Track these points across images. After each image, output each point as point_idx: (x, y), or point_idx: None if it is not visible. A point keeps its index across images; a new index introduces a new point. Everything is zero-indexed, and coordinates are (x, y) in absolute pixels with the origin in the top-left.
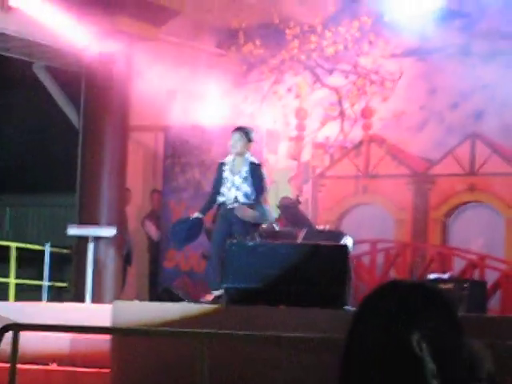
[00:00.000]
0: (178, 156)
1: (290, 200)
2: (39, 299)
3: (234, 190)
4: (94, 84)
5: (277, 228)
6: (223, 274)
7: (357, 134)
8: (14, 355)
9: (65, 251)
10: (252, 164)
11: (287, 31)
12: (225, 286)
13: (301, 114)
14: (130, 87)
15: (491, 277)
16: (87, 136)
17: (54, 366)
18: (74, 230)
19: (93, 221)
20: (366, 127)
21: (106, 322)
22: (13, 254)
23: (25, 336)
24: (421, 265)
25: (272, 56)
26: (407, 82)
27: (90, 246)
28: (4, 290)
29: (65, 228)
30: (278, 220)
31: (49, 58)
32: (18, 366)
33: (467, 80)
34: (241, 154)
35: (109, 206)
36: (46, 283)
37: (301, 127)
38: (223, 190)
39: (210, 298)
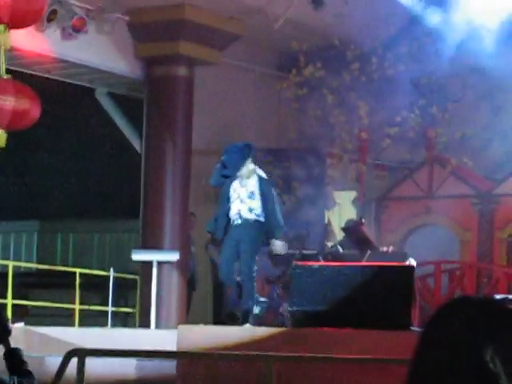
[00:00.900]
0: None
1: (354, 222)
2: (104, 325)
3: (238, 203)
4: (156, 109)
5: (341, 250)
6: (289, 297)
7: (419, 155)
8: (80, 381)
9: (129, 276)
10: (261, 179)
11: (348, 53)
12: (290, 308)
13: (362, 136)
14: (192, 111)
15: None
16: (150, 161)
17: None
18: (138, 255)
19: (156, 246)
20: (429, 148)
21: (171, 346)
22: (77, 280)
23: (90, 361)
24: (487, 285)
25: (333, 78)
26: (470, 102)
27: (154, 271)
28: (69, 315)
29: (129, 253)
30: (341, 241)
31: (111, 84)
32: None
33: None
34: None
35: (172, 231)
36: (110, 309)
37: (363, 149)
38: (230, 203)
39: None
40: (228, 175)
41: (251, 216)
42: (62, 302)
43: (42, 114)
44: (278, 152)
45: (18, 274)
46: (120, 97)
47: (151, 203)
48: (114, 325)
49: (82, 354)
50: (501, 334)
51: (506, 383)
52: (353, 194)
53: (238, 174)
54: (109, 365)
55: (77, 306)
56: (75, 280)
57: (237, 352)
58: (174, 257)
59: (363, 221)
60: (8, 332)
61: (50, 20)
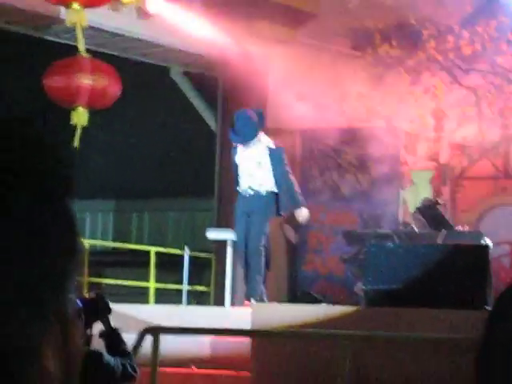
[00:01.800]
0: (316, 159)
1: (430, 201)
2: (179, 303)
3: (247, 178)
4: (232, 88)
5: (416, 230)
6: (363, 276)
7: (495, 133)
8: (155, 358)
9: (204, 255)
10: (270, 149)
11: (423, 31)
12: (364, 287)
13: (438, 115)
14: (267, 90)
15: None
16: (225, 140)
17: (193, 369)
18: (212, 234)
19: (231, 224)
20: (505, 127)
21: (245, 324)
22: (152, 259)
23: (165, 339)
24: None
25: (408, 57)
26: None
27: (229, 250)
28: (144, 294)
29: (204, 232)
30: (416, 220)
31: (186, 64)
32: (159, 368)
33: None
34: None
35: None
36: (185, 287)
37: (438, 128)
38: (239, 178)
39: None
40: (236, 142)
41: (262, 189)
42: (137, 281)
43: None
44: (353, 131)
45: (93, 252)
46: (195, 76)
47: (226, 182)
48: (188, 303)
49: (156, 331)
50: None
51: None
52: (428, 174)
53: (247, 144)
54: (183, 342)
55: (152, 285)
56: (150, 258)
57: (311, 330)
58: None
59: (439, 200)
60: (109, 311)
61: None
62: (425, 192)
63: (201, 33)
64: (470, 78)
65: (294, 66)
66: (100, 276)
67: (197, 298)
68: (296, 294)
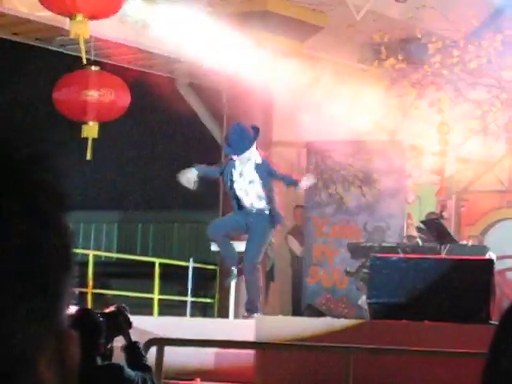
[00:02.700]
0: (321, 171)
1: (435, 215)
2: (183, 315)
3: (245, 197)
4: (237, 100)
5: (420, 243)
6: (367, 289)
7: (500, 147)
8: (159, 370)
9: (208, 267)
10: (257, 165)
11: (429, 45)
12: (368, 300)
13: (443, 129)
14: (272, 103)
15: None
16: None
17: (198, 381)
18: (217, 246)
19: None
20: (510, 141)
21: (249, 336)
22: (157, 270)
23: (169, 351)
24: None
25: (414, 70)
26: None
27: None
28: (148, 305)
29: (208, 244)
30: (421, 234)
31: (191, 75)
32: (163, 380)
33: None
34: (249, 158)
35: None
36: (189, 299)
37: (443, 142)
38: (237, 192)
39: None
40: (229, 154)
41: (262, 204)
42: (142, 292)
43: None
44: (358, 144)
45: (98, 263)
46: (201, 87)
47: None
48: (192, 315)
49: (160, 343)
50: None
51: None
52: (433, 187)
53: (240, 156)
54: (187, 354)
55: (156, 296)
56: (155, 270)
57: (315, 343)
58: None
59: (443, 214)
60: (129, 324)
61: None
62: (429, 205)
63: (206, 44)
64: (476, 91)
65: (299, 78)
66: (104, 287)
67: (201, 311)
68: (300, 306)
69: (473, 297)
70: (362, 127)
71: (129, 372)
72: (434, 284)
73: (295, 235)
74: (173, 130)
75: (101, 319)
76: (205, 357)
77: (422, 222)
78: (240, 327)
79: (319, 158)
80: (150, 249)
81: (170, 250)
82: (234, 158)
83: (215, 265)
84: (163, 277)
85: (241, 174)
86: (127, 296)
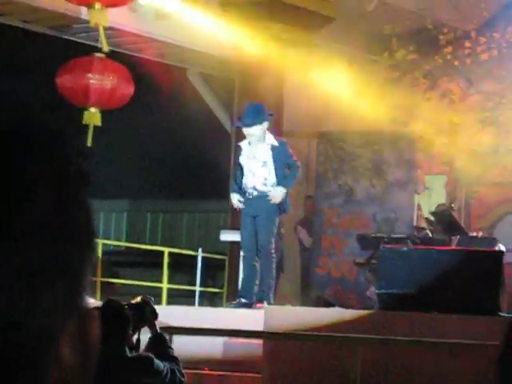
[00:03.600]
0: (331, 162)
1: (445, 206)
2: (191, 304)
3: (251, 177)
4: (248, 90)
5: (430, 234)
6: (376, 280)
7: (511, 139)
8: None
9: (217, 257)
10: (273, 147)
11: (441, 37)
12: (378, 291)
13: (454, 120)
14: (282, 93)
15: None
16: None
17: (206, 370)
18: (226, 236)
19: (232, 225)
20: None
21: (258, 326)
22: (165, 260)
23: (177, 340)
24: None
25: (425, 62)
26: None
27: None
28: (157, 294)
29: (217, 233)
30: (431, 226)
31: (203, 65)
32: None
33: None
34: (258, 140)
35: None
36: (198, 288)
37: (454, 133)
38: (243, 178)
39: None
40: (238, 126)
41: (266, 188)
42: (151, 281)
43: (134, 93)
44: (368, 135)
45: (107, 252)
46: (212, 77)
47: None
48: (201, 304)
49: (169, 331)
50: None
51: None
52: (443, 179)
53: (249, 131)
54: (195, 343)
55: (165, 285)
56: (164, 259)
57: (324, 333)
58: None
59: (453, 205)
60: (155, 316)
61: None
62: (439, 197)
63: (217, 34)
64: (487, 83)
65: (310, 69)
66: (113, 276)
67: (210, 300)
68: (309, 297)
69: (482, 288)
70: (372, 118)
71: (158, 363)
72: (443, 275)
73: (304, 226)
74: (183, 120)
75: (128, 310)
76: (213, 346)
77: (432, 213)
78: (248, 317)
79: (329, 148)
80: (159, 238)
81: (179, 240)
82: (245, 132)
83: (224, 255)
84: (172, 266)
85: (254, 157)
86: (136, 285)
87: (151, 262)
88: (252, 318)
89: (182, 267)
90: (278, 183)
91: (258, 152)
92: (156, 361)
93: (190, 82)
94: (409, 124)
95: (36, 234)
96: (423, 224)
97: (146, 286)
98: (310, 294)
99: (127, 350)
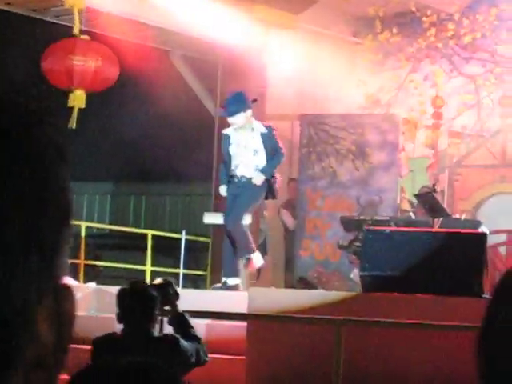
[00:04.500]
0: (314, 145)
1: (428, 189)
2: None
3: (243, 167)
4: (231, 72)
5: (413, 217)
6: (360, 262)
7: (494, 122)
8: None
9: (201, 239)
10: (262, 134)
11: (424, 19)
12: (361, 273)
13: (437, 103)
14: (266, 76)
15: None
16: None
17: None
18: (209, 218)
19: (217, 207)
20: (504, 116)
21: (242, 308)
22: (149, 242)
23: None
24: None
25: (409, 44)
26: None
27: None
28: (140, 277)
29: (201, 216)
30: (414, 208)
31: (185, 47)
32: None
33: None
34: (244, 126)
35: None
36: (181, 271)
37: (437, 116)
38: (231, 167)
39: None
40: (224, 115)
41: (255, 174)
42: (134, 264)
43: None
44: (351, 118)
45: (90, 235)
46: (195, 59)
47: None
48: (184, 287)
49: None
50: None
51: None
52: (426, 162)
53: (234, 120)
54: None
55: (148, 268)
56: (147, 242)
57: (307, 315)
58: (246, 220)
59: (436, 188)
60: (177, 296)
61: None
62: (422, 179)
63: (200, 16)
64: (470, 66)
65: (293, 51)
66: (96, 258)
67: (193, 283)
68: (292, 279)
69: (466, 270)
70: (355, 100)
71: (184, 343)
72: (426, 257)
73: (288, 208)
74: (166, 103)
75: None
76: (196, 328)
77: (415, 195)
78: (232, 299)
79: (312, 131)
80: (143, 221)
81: (162, 222)
82: (230, 121)
83: (207, 237)
84: (155, 249)
85: (245, 146)
86: (119, 268)
87: (135, 245)
88: (235, 300)
89: (165, 250)
90: (261, 169)
91: (248, 141)
92: (182, 341)
93: (173, 64)
94: (392, 106)
95: (10, 209)
96: (407, 207)
97: (129, 269)
98: (294, 276)
99: (154, 330)
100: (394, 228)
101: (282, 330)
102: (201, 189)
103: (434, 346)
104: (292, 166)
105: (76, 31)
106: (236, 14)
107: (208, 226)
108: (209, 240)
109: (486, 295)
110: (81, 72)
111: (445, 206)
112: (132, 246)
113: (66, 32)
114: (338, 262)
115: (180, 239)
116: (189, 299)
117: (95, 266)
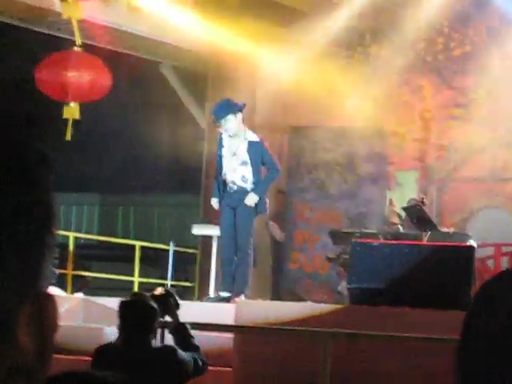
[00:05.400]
0: (303, 156)
1: (416, 202)
2: None
3: (231, 173)
4: (220, 83)
5: (401, 229)
6: (348, 274)
7: (483, 136)
8: None
9: (189, 251)
10: (250, 143)
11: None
12: (349, 286)
13: (426, 116)
14: (255, 87)
15: None
16: (213, 136)
17: None
18: (198, 230)
19: (217, 220)
20: (492, 129)
21: (229, 320)
22: (137, 253)
23: None
24: None
25: (398, 57)
26: None
27: (214, 246)
28: (128, 288)
29: (189, 227)
30: (402, 221)
31: (176, 58)
32: None
33: None
34: (237, 134)
35: None
36: (169, 282)
37: (426, 129)
38: (224, 171)
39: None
40: (216, 122)
41: (246, 185)
42: (122, 275)
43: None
44: (341, 130)
45: (78, 245)
46: (185, 71)
47: (213, 178)
48: None
49: None
50: None
51: None
52: (415, 175)
53: (226, 124)
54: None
55: (136, 279)
56: (135, 253)
57: (294, 327)
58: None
59: (425, 201)
60: (178, 306)
61: None
62: (411, 192)
63: (191, 28)
64: (459, 79)
65: (283, 63)
66: (84, 269)
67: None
68: (279, 292)
69: (454, 283)
70: (344, 113)
71: (181, 354)
72: (414, 270)
73: (276, 220)
74: (155, 113)
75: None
76: None
77: (403, 208)
78: (219, 310)
79: (302, 142)
80: (131, 232)
81: (150, 233)
82: (221, 130)
83: (196, 248)
84: (144, 260)
85: (234, 153)
86: (107, 278)
87: (123, 256)
88: (223, 312)
89: (153, 261)
90: (254, 185)
91: (237, 149)
92: (180, 351)
93: (163, 75)
94: (380, 119)
95: None
96: (395, 219)
97: (117, 280)
98: (282, 288)
99: (152, 341)
100: (381, 241)
101: (269, 342)
102: (189, 200)
103: (422, 359)
104: (281, 177)
105: (78, 42)
106: (225, 26)
107: (196, 237)
108: (197, 251)
109: None
110: (75, 85)
111: (433, 219)
112: (120, 257)
113: (60, 43)
114: (327, 274)
115: (168, 250)
116: None
117: (84, 276)
